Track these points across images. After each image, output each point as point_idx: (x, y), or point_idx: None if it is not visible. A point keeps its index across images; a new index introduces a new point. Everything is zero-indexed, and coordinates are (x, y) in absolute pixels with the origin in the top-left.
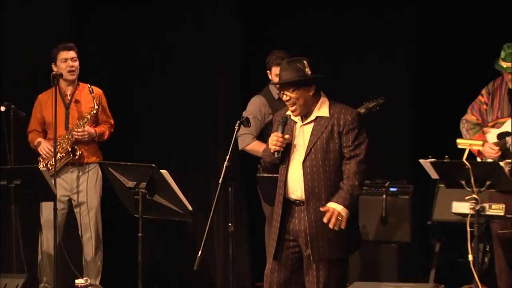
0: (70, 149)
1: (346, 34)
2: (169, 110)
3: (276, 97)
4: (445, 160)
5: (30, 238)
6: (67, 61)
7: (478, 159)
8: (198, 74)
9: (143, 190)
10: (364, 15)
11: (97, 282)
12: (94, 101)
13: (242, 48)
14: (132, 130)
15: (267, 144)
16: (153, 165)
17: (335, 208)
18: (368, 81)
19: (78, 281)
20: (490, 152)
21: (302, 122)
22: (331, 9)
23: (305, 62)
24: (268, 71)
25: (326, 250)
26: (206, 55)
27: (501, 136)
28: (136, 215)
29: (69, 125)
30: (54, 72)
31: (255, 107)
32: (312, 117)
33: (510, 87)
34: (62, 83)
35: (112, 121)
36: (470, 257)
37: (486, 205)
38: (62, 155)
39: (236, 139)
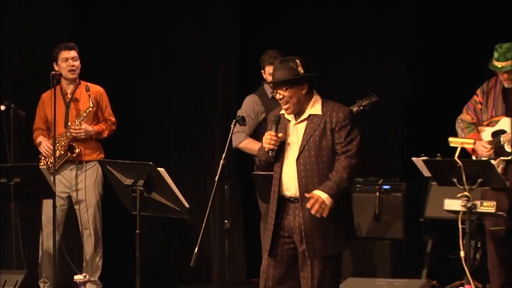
0: (67, 146)
1: (346, 34)
2: (169, 110)
3: (270, 96)
4: (437, 158)
5: (30, 235)
6: (68, 60)
7: (473, 157)
8: (198, 74)
9: (141, 188)
10: (364, 15)
11: (96, 278)
12: (90, 99)
13: (242, 48)
14: (132, 130)
15: (262, 143)
16: (151, 163)
17: (320, 195)
18: (368, 81)
19: (77, 277)
20: (482, 150)
21: (296, 121)
22: (331, 9)
23: (297, 61)
24: (262, 71)
25: (321, 246)
26: (206, 55)
27: (495, 134)
28: (134, 212)
29: (69, 123)
30: (53, 72)
31: (248, 106)
32: (305, 115)
33: (506, 86)
34: (64, 82)
35: (113, 119)
36: (462, 253)
37: (478, 203)
38: (61, 153)
39: (231, 138)
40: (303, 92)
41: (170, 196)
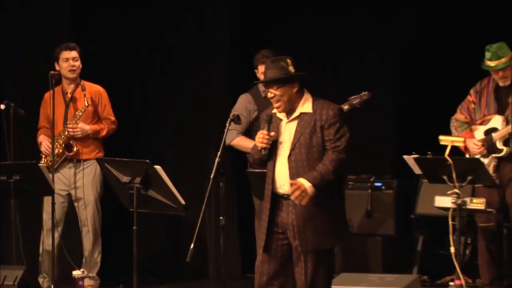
0: (64, 145)
1: (346, 34)
2: (169, 110)
3: (263, 94)
4: (428, 156)
5: (30, 231)
6: (68, 60)
7: (466, 155)
8: (198, 74)
9: (138, 185)
10: (364, 15)
11: (94, 274)
12: (85, 98)
13: (242, 48)
14: (132, 130)
15: (255, 142)
16: (147, 161)
17: (303, 183)
18: (368, 81)
19: (75, 273)
20: (474, 147)
21: (287, 119)
22: (331, 9)
23: (288, 60)
24: (255, 70)
25: (313, 241)
26: (206, 55)
27: (488, 132)
28: (131, 209)
29: (67, 122)
30: (52, 72)
31: (241, 104)
32: (296, 113)
33: (501, 84)
34: (64, 82)
35: (112, 118)
36: (452, 249)
37: (468, 199)
38: (59, 151)
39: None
40: (294, 90)
41: (167, 193)
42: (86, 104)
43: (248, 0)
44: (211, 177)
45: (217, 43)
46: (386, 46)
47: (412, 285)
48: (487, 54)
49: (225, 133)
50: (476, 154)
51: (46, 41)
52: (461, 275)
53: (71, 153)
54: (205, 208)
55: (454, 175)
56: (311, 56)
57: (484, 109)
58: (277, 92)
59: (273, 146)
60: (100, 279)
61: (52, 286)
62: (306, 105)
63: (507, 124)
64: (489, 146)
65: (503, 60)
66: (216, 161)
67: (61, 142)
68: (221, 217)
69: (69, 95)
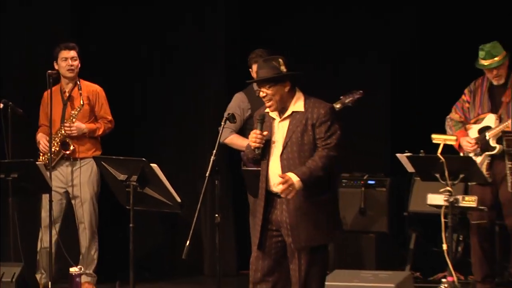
0: (61, 143)
1: (346, 34)
2: (169, 110)
3: (257, 93)
4: (420, 155)
5: (28, 229)
6: (67, 60)
7: (461, 154)
8: (198, 74)
9: (134, 183)
10: (364, 15)
11: (91, 271)
12: (81, 98)
13: (242, 48)
14: (132, 130)
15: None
16: (144, 159)
17: (291, 178)
18: (367, 81)
19: (73, 269)
20: (467, 145)
21: (280, 118)
22: (331, 9)
23: (280, 60)
24: (250, 69)
25: (306, 238)
26: (206, 55)
27: (482, 130)
28: (127, 207)
29: (65, 121)
30: (49, 71)
31: (234, 103)
32: (289, 112)
33: (495, 83)
34: (63, 81)
35: (109, 117)
36: (445, 246)
37: (460, 197)
38: (56, 149)
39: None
40: (286, 89)
41: (163, 191)
42: (82, 103)
43: (248, 0)
44: (206, 175)
45: (217, 43)
46: (386, 46)
47: (405, 282)
48: (481, 53)
49: (220, 132)
50: (470, 152)
51: (46, 41)
52: (453, 272)
53: (68, 152)
54: (201, 206)
55: (446, 173)
56: (311, 56)
57: (478, 108)
58: (269, 91)
59: (266, 145)
60: (97, 276)
61: (50, 282)
62: (298, 104)
63: (500, 122)
64: (482, 145)
65: (496, 59)
66: (211, 159)
67: (58, 140)
68: (217, 215)
69: (67, 94)
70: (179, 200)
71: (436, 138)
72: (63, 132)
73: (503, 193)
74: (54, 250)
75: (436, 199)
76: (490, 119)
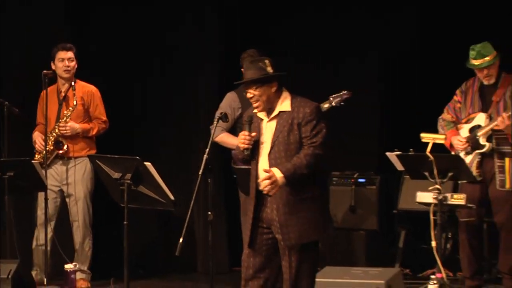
0: (55, 142)
1: (346, 34)
2: (169, 110)
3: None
4: (409, 153)
5: (24, 227)
6: (64, 60)
7: (452, 153)
8: (198, 74)
9: (128, 181)
10: (364, 15)
11: (86, 268)
12: (74, 98)
13: (242, 48)
14: (132, 129)
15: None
16: (138, 157)
17: (275, 173)
18: (367, 81)
19: (67, 266)
20: (458, 144)
21: (268, 118)
22: (331, 9)
23: (266, 61)
24: (242, 69)
25: (296, 235)
26: (206, 55)
27: (472, 129)
28: (122, 205)
29: (59, 121)
30: (45, 71)
31: (226, 102)
32: (276, 112)
33: (486, 83)
34: (59, 81)
35: (103, 118)
36: (433, 243)
37: (449, 195)
38: (51, 148)
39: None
40: (273, 90)
41: (157, 189)
42: (75, 103)
43: (248, 0)
44: (199, 173)
45: (217, 43)
46: (386, 46)
47: (395, 278)
48: (472, 53)
49: (213, 131)
50: (461, 151)
51: (46, 41)
52: (442, 269)
53: (61, 151)
54: (194, 203)
55: (435, 172)
56: (311, 56)
57: (469, 107)
58: (256, 92)
59: (256, 145)
60: (91, 273)
61: (45, 279)
62: (284, 104)
63: (490, 121)
64: (473, 143)
65: (487, 58)
66: (204, 158)
67: (52, 139)
68: (209, 213)
69: (63, 94)
70: (172, 198)
71: (425, 137)
72: (57, 131)
73: (492, 191)
74: (49, 248)
75: (425, 197)
76: (480, 118)
